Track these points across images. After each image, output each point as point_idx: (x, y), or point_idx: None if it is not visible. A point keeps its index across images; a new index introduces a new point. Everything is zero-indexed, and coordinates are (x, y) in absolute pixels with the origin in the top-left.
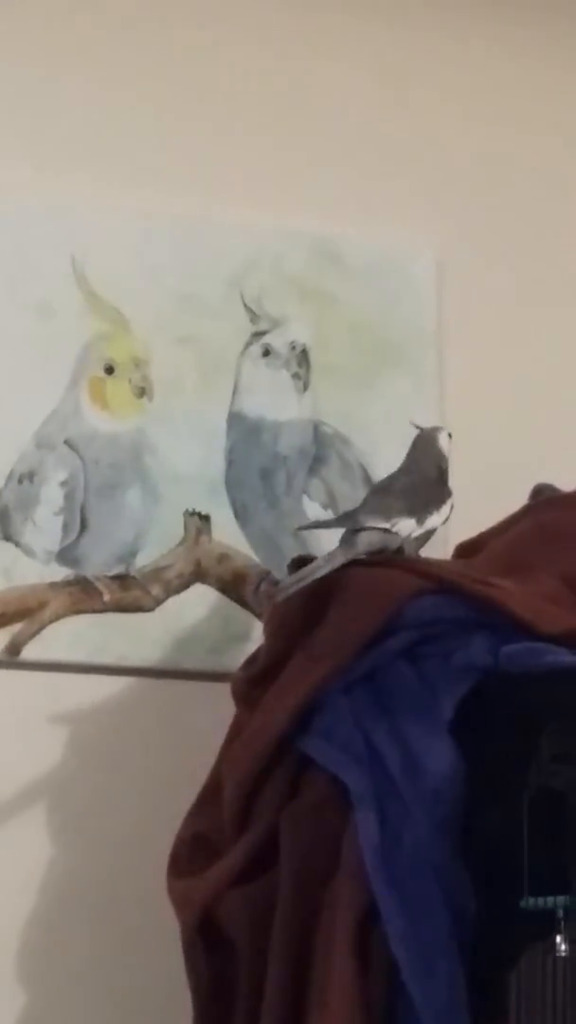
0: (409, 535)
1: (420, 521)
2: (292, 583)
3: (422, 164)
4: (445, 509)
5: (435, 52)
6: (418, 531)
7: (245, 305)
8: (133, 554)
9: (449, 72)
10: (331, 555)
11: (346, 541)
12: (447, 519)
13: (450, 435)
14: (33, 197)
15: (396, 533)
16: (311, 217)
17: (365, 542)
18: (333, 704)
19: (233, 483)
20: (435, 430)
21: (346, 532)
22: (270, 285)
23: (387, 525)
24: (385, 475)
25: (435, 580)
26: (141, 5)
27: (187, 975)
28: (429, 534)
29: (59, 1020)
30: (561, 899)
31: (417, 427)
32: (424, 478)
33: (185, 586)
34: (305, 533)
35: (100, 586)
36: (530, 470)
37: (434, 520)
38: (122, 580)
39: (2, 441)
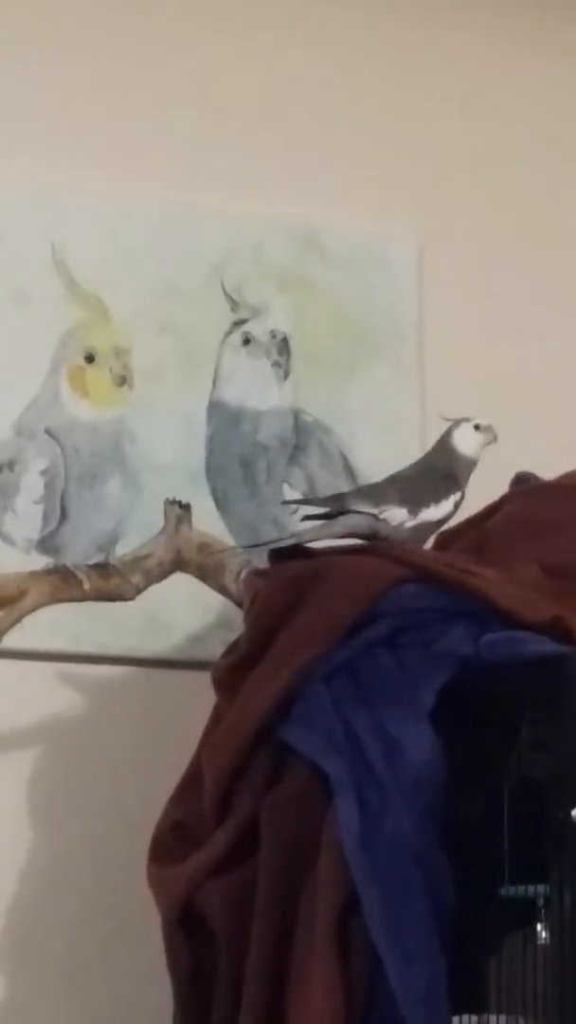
0: (401, 524)
1: (412, 512)
2: (268, 544)
3: (403, 151)
4: (446, 504)
5: (415, 39)
6: (411, 522)
7: (226, 293)
8: (113, 543)
9: (429, 58)
10: (313, 528)
11: (328, 520)
12: (450, 515)
13: (477, 426)
14: (12, 184)
15: (384, 520)
16: (292, 205)
17: (346, 524)
18: (314, 692)
19: (213, 472)
20: (456, 423)
21: (330, 511)
22: (250, 273)
23: (375, 511)
24: (365, 463)
25: (416, 568)
26: None
27: (167, 963)
28: (428, 526)
29: (40, 1007)
30: (541, 887)
31: (446, 419)
32: (431, 471)
33: (165, 575)
34: (287, 520)
35: (80, 575)
36: (510, 458)
37: (430, 513)
38: (102, 569)
39: None
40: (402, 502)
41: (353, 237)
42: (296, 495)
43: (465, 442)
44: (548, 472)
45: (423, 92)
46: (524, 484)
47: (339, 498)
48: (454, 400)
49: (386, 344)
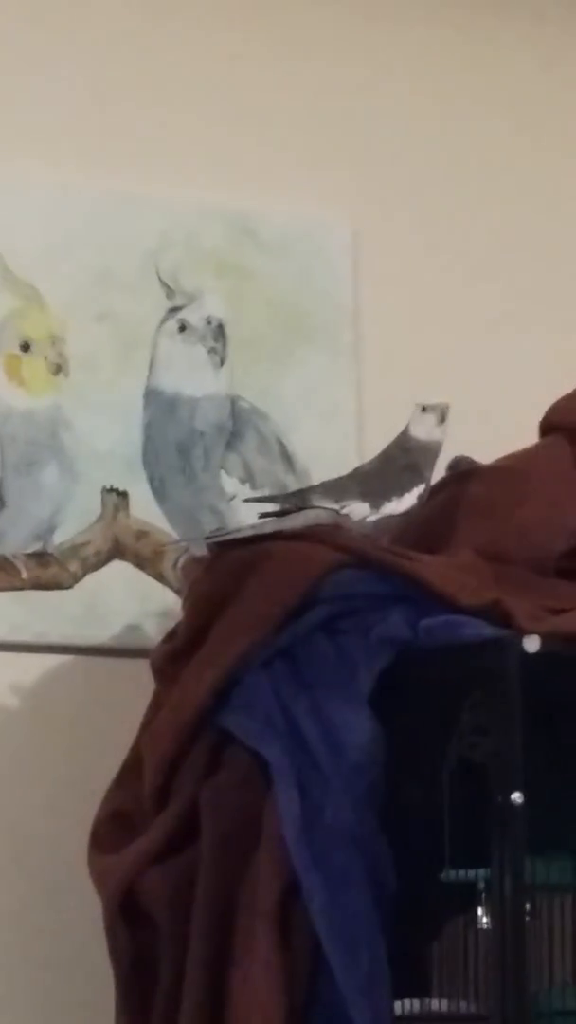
0: (363, 519)
1: (375, 506)
2: (210, 539)
3: (338, 137)
4: (408, 497)
5: (352, 24)
6: (373, 516)
7: (161, 280)
8: (51, 531)
9: (359, 40)
10: (263, 523)
11: (288, 516)
12: (413, 507)
13: (424, 407)
14: None
15: (346, 515)
16: (226, 191)
17: (308, 517)
18: (252, 679)
19: (150, 459)
20: (416, 410)
21: (290, 508)
22: (186, 260)
23: (336, 507)
24: (302, 450)
25: (354, 554)
26: None
27: (109, 952)
28: (390, 520)
29: None
30: (482, 871)
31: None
32: (391, 463)
33: (103, 563)
34: (223, 508)
35: (18, 564)
36: (448, 443)
37: (393, 507)
38: (40, 557)
39: None
40: (364, 496)
41: (288, 223)
42: (233, 482)
43: (417, 427)
44: (486, 456)
45: (358, 77)
46: (460, 468)
47: (300, 494)
48: (390, 386)
49: (322, 330)
